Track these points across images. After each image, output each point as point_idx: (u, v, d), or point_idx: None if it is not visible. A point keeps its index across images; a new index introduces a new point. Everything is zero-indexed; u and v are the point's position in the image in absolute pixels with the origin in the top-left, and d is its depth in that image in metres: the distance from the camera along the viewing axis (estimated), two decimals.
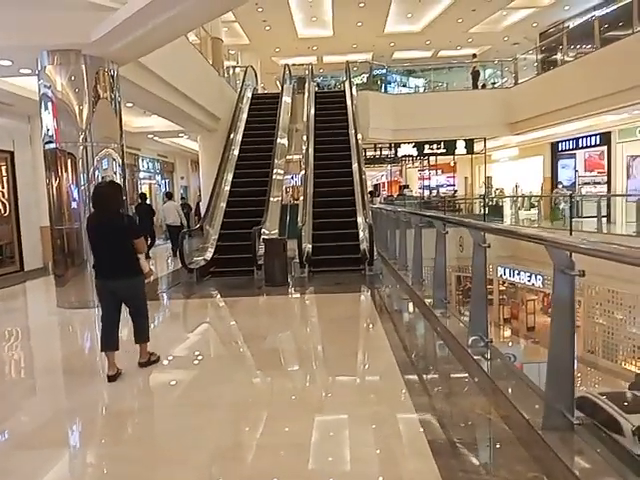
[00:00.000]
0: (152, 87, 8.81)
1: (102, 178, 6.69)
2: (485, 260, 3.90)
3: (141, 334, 4.16)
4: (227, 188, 10.80)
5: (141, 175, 17.90)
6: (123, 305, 4.12)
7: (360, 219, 9.54)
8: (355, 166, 10.86)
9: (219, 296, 7.51)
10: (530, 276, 19.54)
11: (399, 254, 8.04)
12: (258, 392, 3.70)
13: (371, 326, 5.38)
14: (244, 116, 13.32)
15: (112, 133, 6.92)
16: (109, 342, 3.99)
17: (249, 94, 14.49)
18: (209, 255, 9.20)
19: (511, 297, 21.59)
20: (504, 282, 20.83)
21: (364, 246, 8.84)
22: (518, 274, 19.88)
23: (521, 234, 3.17)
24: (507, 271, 20.04)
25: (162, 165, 19.47)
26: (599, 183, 18.24)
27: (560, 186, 15.70)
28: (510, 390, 3.20)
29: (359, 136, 11.61)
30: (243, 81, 14.42)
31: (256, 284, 7.84)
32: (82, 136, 6.60)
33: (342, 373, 3.98)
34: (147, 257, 8.45)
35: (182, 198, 18.29)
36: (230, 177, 11.09)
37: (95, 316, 6.39)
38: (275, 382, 3.87)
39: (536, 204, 19.81)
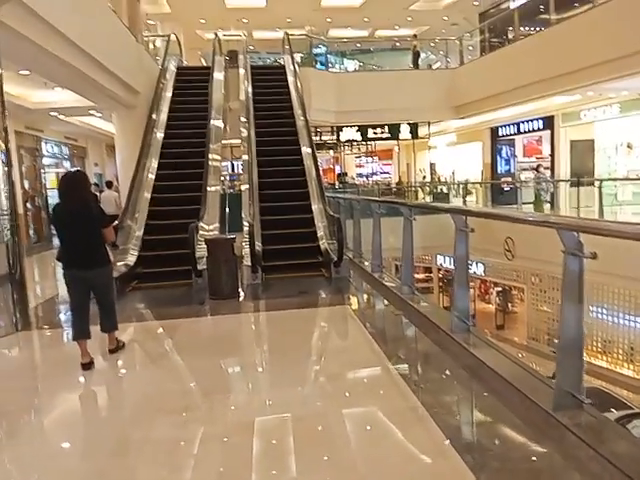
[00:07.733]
0: (47, 43, 6.72)
1: None
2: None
3: (109, 322, 4.14)
4: (152, 177, 8.92)
5: (45, 161, 15.30)
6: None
7: (316, 210, 8.06)
8: (305, 149, 9.33)
9: (150, 317, 5.73)
10: (471, 264, 19.13)
11: (373, 253, 6.58)
12: None
13: (378, 369, 3.77)
14: (168, 94, 11.32)
15: None
16: (82, 330, 3.96)
17: (173, 67, 12.44)
18: (133, 259, 7.35)
19: (449, 285, 21.19)
20: (439, 270, 20.35)
21: (325, 245, 7.38)
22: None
23: None
24: (446, 259, 19.50)
25: (71, 150, 16.82)
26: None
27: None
28: None
29: (308, 116, 10.08)
30: (166, 51, 12.32)
31: (197, 298, 6.13)
32: None
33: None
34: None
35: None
36: (155, 164, 9.20)
37: None
38: None
39: (473, 191, 19.45)
